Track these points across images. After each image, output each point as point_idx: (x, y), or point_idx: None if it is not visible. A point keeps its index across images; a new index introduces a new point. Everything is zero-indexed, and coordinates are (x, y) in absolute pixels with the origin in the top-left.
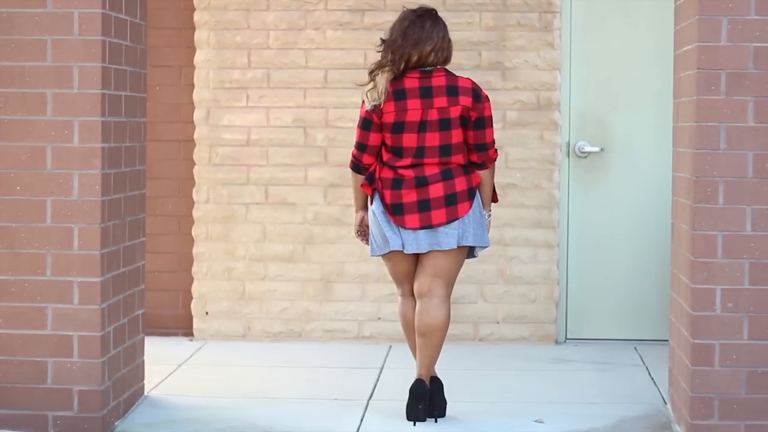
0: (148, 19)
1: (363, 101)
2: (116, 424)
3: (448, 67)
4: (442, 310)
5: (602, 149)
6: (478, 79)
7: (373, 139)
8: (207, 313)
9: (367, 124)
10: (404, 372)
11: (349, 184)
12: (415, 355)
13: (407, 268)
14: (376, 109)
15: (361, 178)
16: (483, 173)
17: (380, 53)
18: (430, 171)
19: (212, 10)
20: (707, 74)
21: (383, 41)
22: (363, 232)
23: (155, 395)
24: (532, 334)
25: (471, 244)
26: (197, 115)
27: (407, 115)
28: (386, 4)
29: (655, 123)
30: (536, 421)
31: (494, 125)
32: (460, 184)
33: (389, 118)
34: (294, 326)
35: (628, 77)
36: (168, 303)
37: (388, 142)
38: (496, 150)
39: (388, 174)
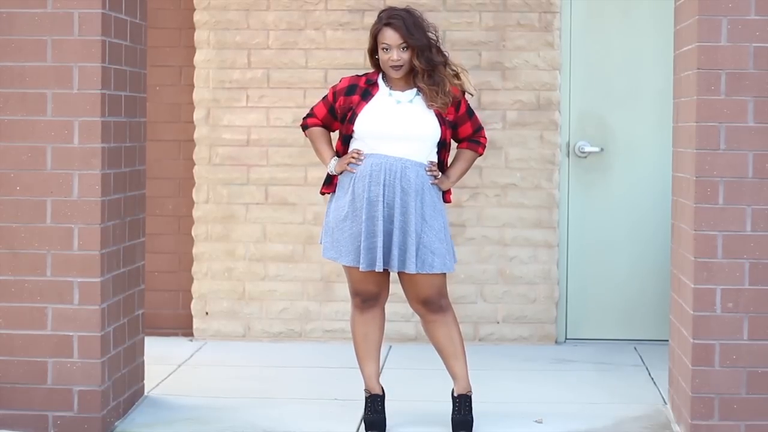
0: (148, 19)
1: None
2: (116, 424)
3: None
4: None
5: (602, 149)
6: (478, 79)
7: None
8: (207, 313)
9: None
10: (404, 372)
11: None
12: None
13: None
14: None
15: None
16: None
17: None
18: None
19: (212, 10)
20: (707, 74)
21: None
22: None
23: (155, 395)
24: (532, 334)
25: None
26: (197, 115)
27: None
28: (386, 5)
29: (655, 123)
30: (536, 421)
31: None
32: None
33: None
34: (294, 326)
35: (628, 77)
36: (168, 303)
37: None
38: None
39: None
